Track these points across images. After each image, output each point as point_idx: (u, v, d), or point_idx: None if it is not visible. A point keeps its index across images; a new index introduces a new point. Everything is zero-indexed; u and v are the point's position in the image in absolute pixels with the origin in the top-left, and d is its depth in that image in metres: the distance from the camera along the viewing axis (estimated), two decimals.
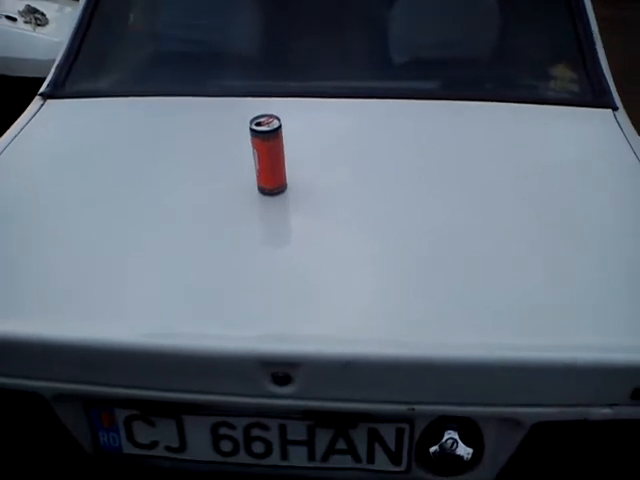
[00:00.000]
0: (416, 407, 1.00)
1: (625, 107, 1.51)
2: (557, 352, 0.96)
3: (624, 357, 0.96)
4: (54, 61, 3.70)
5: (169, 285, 1.07)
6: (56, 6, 4.27)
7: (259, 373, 0.97)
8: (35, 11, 3.76)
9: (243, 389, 0.99)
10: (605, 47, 1.60)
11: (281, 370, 0.96)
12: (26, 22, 3.71)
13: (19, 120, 1.49)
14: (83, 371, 1.01)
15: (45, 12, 3.89)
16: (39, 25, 3.76)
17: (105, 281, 1.08)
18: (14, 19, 3.69)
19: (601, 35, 1.62)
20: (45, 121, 1.48)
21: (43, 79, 3.55)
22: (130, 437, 1.11)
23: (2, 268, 1.12)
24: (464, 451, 1.07)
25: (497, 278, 1.07)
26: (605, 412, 0.99)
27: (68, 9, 4.38)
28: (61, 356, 1.00)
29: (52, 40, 3.64)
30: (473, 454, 1.07)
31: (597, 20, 1.64)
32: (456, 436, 1.06)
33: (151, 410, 1.05)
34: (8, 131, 1.45)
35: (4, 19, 3.67)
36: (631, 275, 1.08)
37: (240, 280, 1.07)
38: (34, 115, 1.50)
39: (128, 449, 1.13)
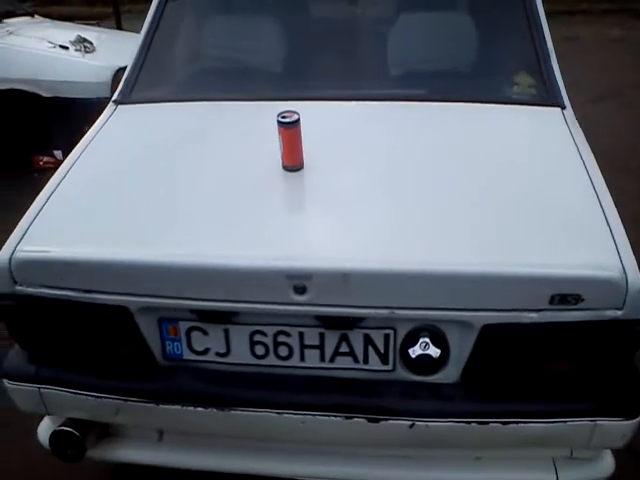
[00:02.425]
0: (396, 311, 1.38)
1: None
2: (495, 267, 1.35)
3: (542, 271, 1.34)
4: (101, 83, 4.22)
5: (220, 222, 1.49)
6: (97, 34, 4.80)
7: (285, 284, 1.36)
8: (84, 40, 4.25)
9: (273, 297, 1.38)
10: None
11: (300, 282, 1.35)
12: (76, 50, 4.20)
13: (98, 121, 1.92)
14: (158, 286, 1.41)
15: (92, 40, 4.38)
16: (87, 52, 4.25)
17: (173, 221, 1.50)
18: (66, 48, 4.19)
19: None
20: (118, 121, 1.92)
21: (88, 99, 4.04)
22: (189, 345, 1.50)
23: (103, 215, 1.54)
24: (433, 351, 1.44)
25: (456, 218, 1.47)
26: (532, 316, 1.36)
27: (105, 36, 4.92)
28: (144, 275, 1.41)
29: (99, 65, 4.15)
30: (441, 355, 1.45)
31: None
32: (428, 340, 1.43)
33: (206, 318, 1.45)
34: (91, 129, 1.88)
35: (58, 48, 4.18)
36: (548, 217, 1.48)
37: (270, 219, 1.49)
38: (110, 117, 1.94)
39: (187, 355, 1.52)
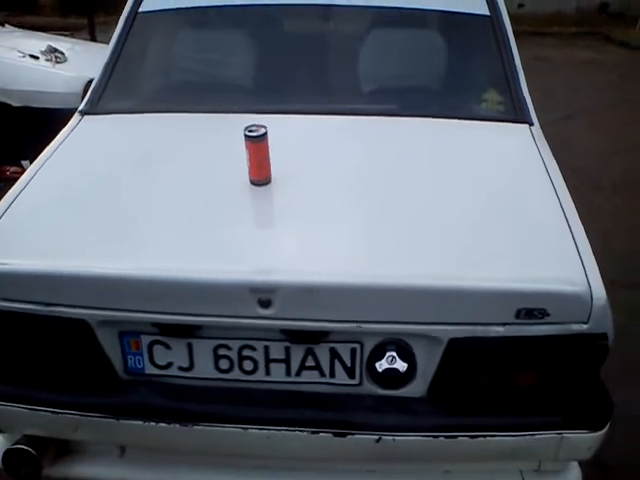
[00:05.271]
0: (362, 325, 1.37)
1: None
2: (462, 281, 1.34)
3: (508, 285, 1.35)
4: (72, 94, 4.17)
5: (183, 236, 1.46)
6: (69, 45, 4.74)
7: (248, 298, 1.33)
8: (55, 50, 4.17)
9: (237, 311, 1.36)
10: None
11: (264, 295, 1.33)
12: (47, 60, 4.13)
13: (63, 130, 1.89)
14: (119, 300, 1.38)
15: (63, 51, 4.32)
16: (58, 62, 4.17)
17: (135, 234, 1.48)
18: (37, 57, 4.12)
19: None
20: (84, 132, 1.90)
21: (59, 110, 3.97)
22: (151, 359, 1.47)
23: (64, 227, 1.51)
24: (400, 365, 1.43)
25: (423, 233, 1.48)
26: (498, 330, 1.36)
27: (78, 47, 4.87)
28: (103, 287, 1.37)
29: (69, 75, 4.09)
30: (408, 369, 1.44)
31: None
32: (394, 354, 1.42)
33: (168, 331, 1.42)
34: (56, 138, 1.84)
35: (28, 57, 4.11)
36: (514, 233, 1.49)
37: (234, 233, 1.47)
38: (75, 127, 1.91)
39: (149, 370, 1.48)
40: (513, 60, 2.06)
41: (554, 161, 1.77)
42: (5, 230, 1.50)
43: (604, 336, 1.37)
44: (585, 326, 1.35)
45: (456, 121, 1.95)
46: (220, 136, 1.82)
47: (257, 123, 1.62)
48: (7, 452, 1.52)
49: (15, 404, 1.49)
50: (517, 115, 1.96)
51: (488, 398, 1.45)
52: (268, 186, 1.62)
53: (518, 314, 1.34)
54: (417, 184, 1.65)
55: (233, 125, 1.66)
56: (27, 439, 1.54)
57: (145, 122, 1.94)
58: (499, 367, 1.43)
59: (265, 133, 1.60)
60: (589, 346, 1.38)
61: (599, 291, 1.35)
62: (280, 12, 2.30)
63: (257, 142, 1.60)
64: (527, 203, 1.60)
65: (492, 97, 2.03)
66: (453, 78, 2.14)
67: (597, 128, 5.25)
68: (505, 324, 1.36)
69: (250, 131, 1.60)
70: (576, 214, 1.55)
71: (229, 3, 2.23)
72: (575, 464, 1.59)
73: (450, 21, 2.26)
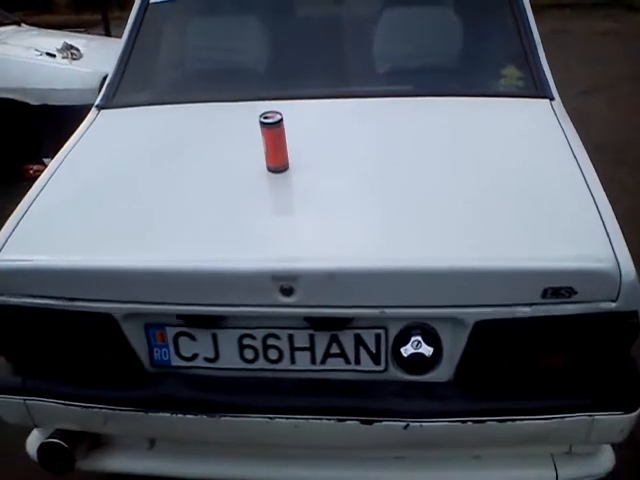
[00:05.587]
0: (386, 310, 1.35)
1: None
2: (486, 262, 1.32)
3: (533, 265, 1.31)
4: (88, 90, 4.20)
5: (204, 226, 1.46)
6: (84, 41, 4.77)
7: (270, 286, 1.33)
8: (71, 47, 4.22)
9: (260, 300, 1.35)
10: None
11: (286, 283, 1.32)
12: (64, 57, 4.17)
13: (81, 126, 1.90)
14: (143, 292, 1.38)
15: (79, 47, 4.35)
16: (74, 59, 4.22)
17: (156, 226, 1.48)
18: (53, 55, 4.17)
19: None
20: (101, 126, 1.90)
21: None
22: (177, 351, 1.47)
23: (86, 222, 1.51)
24: (426, 349, 1.41)
25: (445, 214, 1.45)
26: (525, 310, 1.33)
27: (93, 43, 4.90)
28: (128, 281, 1.38)
29: (85, 71, 4.13)
30: (434, 353, 1.42)
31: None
32: (420, 338, 1.41)
33: (193, 322, 1.42)
34: (74, 134, 1.85)
35: (45, 55, 4.15)
36: (538, 210, 1.45)
37: (253, 221, 1.46)
38: (93, 121, 1.92)
39: (175, 361, 1.49)
40: (532, 34, 2.01)
41: (577, 136, 1.72)
42: (28, 227, 1.51)
43: (634, 314, 1.34)
44: (614, 304, 1.32)
45: (475, 99, 1.91)
46: (238, 125, 1.80)
47: (272, 110, 1.60)
48: (41, 446, 1.55)
49: (47, 399, 1.51)
50: (537, 90, 1.91)
51: (516, 381, 1.43)
52: (286, 173, 1.60)
53: (545, 294, 1.31)
54: (438, 165, 1.62)
55: (251, 113, 1.63)
56: (60, 433, 1.56)
57: (161, 114, 1.94)
58: (526, 349, 1.40)
59: (281, 120, 1.58)
60: (618, 325, 1.35)
61: (628, 267, 1.31)
62: None
63: (273, 129, 1.58)
64: (551, 179, 1.56)
65: (511, 73, 1.98)
66: (470, 54, 2.09)
67: (617, 102, 5.11)
68: (531, 304, 1.33)
69: (265, 118, 1.58)
70: (601, 189, 1.51)
71: None
72: (608, 446, 1.56)
73: None
